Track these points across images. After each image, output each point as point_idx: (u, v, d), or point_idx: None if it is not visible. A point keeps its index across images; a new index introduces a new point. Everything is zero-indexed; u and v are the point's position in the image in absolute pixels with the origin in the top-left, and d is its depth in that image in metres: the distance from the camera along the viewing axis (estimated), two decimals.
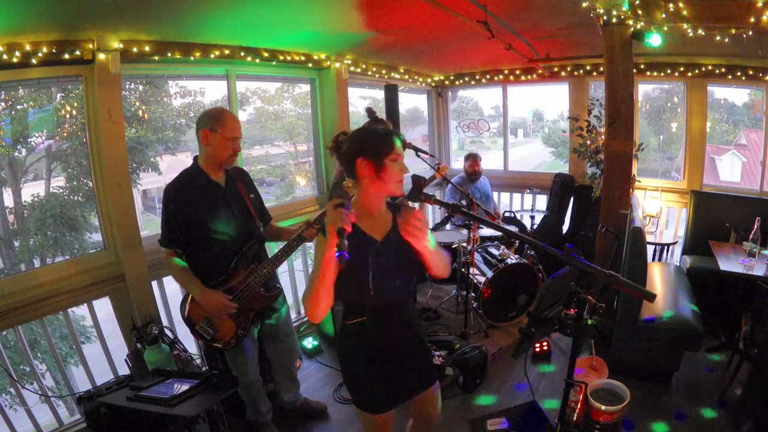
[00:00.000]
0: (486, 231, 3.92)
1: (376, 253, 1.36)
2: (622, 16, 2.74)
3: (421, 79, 4.93)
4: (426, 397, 1.61)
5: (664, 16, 2.67)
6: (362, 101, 5.65)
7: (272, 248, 3.22)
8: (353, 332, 1.46)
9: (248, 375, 2.23)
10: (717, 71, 3.77)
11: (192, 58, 2.73)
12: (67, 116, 5.28)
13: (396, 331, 1.49)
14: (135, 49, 2.45)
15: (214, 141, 1.92)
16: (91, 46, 2.28)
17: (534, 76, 4.62)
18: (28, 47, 2.12)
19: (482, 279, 3.44)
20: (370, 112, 2.85)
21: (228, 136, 1.93)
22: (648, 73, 4.03)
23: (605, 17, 2.77)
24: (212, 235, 2.00)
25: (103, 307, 2.62)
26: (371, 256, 1.35)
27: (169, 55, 2.62)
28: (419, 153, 2.85)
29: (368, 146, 1.32)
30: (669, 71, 3.93)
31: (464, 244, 3.47)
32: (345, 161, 1.37)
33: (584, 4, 2.68)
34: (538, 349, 3.06)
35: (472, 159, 4.46)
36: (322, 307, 1.30)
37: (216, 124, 1.92)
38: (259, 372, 2.34)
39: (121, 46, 2.37)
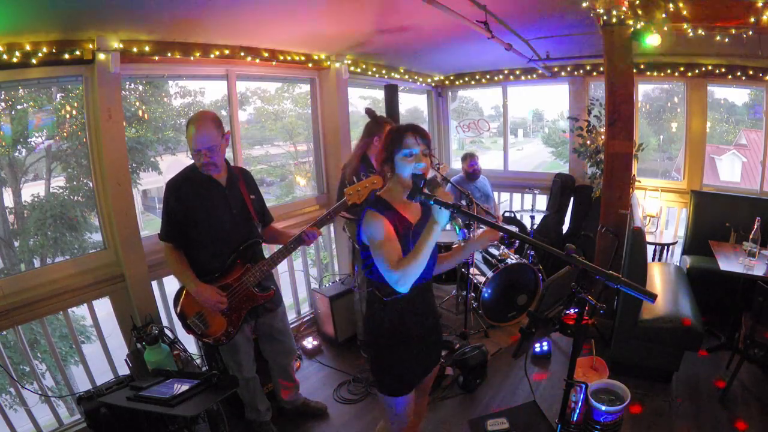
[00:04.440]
0: None
1: (413, 234, 1.49)
2: (622, 16, 2.74)
3: (421, 79, 4.93)
4: (435, 370, 1.78)
5: (664, 16, 2.67)
6: (362, 101, 5.65)
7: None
8: (394, 309, 1.56)
9: (243, 372, 2.24)
10: (717, 71, 3.77)
11: (192, 58, 2.73)
12: (67, 116, 5.27)
13: (425, 307, 1.64)
14: (135, 49, 2.46)
15: (190, 153, 1.95)
16: (91, 46, 2.29)
17: (534, 76, 4.63)
18: (28, 47, 2.12)
19: (482, 279, 3.44)
20: (369, 112, 2.85)
21: (193, 149, 1.93)
22: (648, 73, 4.03)
23: (605, 17, 2.77)
24: (210, 232, 2.01)
25: (103, 307, 2.62)
26: (410, 237, 1.49)
27: (169, 55, 2.62)
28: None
29: (385, 146, 1.51)
30: (669, 71, 3.93)
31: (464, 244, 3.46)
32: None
33: (584, 4, 2.68)
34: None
35: (470, 158, 4.47)
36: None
37: (186, 135, 1.93)
38: (255, 370, 2.34)
39: (121, 46, 2.37)
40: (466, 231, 1.43)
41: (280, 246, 2.13)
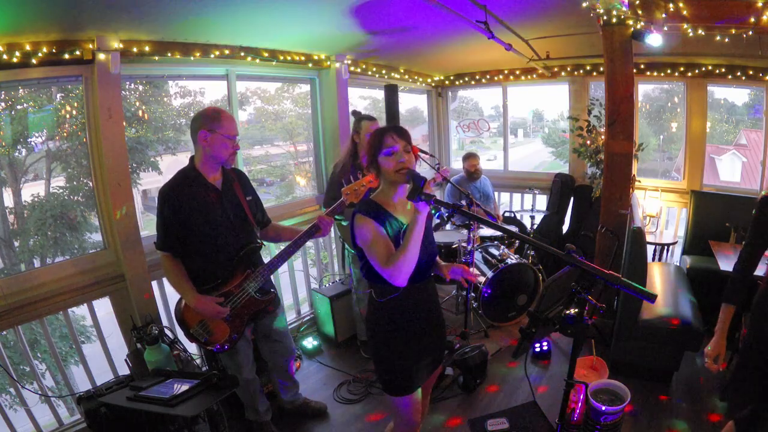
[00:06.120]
0: (486, 231, 3.92)
1: (404, 235, 1.50)
2: (622, 16, 2.74)
3: (421, 79, 4.93)
4: (437, 370, 1.81)
5: (664, 16, 2.67)
6: (362, 101, 5.66)
7: (272, 250, 3.22)
8: (391, 308, 1.59)
9: (243, 374, 2.23)
10: (717, 71, 3.77)
11: (192, 58, 2.73)
12: (67, 116, 5.28)
13: (426, 305, 1.67)
14: (135, 49, 2.46)
15: (214, 142, 1.90)
16: (91, 46, 2.28)
17: (534, 76, 4.62)
18: (28, 47, 2.12)
19: (482, 279, 3.44)
20: (355, 114, 2.92)
21: (227, 136, 1.92)
22: (648, 73, 4.03)
23: (605, 17, 2.77)
24: (208, 239, 1.98)
25: (103, 307, 2.62)
26: (402, 238, 1.51)
27: (169, 55, 2.62)
28: (419, 153, 2.88)
29: (368, 151, 1.56)
30: (669, 71, 3.93)
31: (464, 244, 3.47)
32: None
33: (584, 4, 2.68)
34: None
35: (472, 158, 4.49)
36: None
37: (214, 125, 1.90)
38: (255, 371, 2.34)
39: (121, 46, 2.37)
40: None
41: (280, 250, 2.11)
